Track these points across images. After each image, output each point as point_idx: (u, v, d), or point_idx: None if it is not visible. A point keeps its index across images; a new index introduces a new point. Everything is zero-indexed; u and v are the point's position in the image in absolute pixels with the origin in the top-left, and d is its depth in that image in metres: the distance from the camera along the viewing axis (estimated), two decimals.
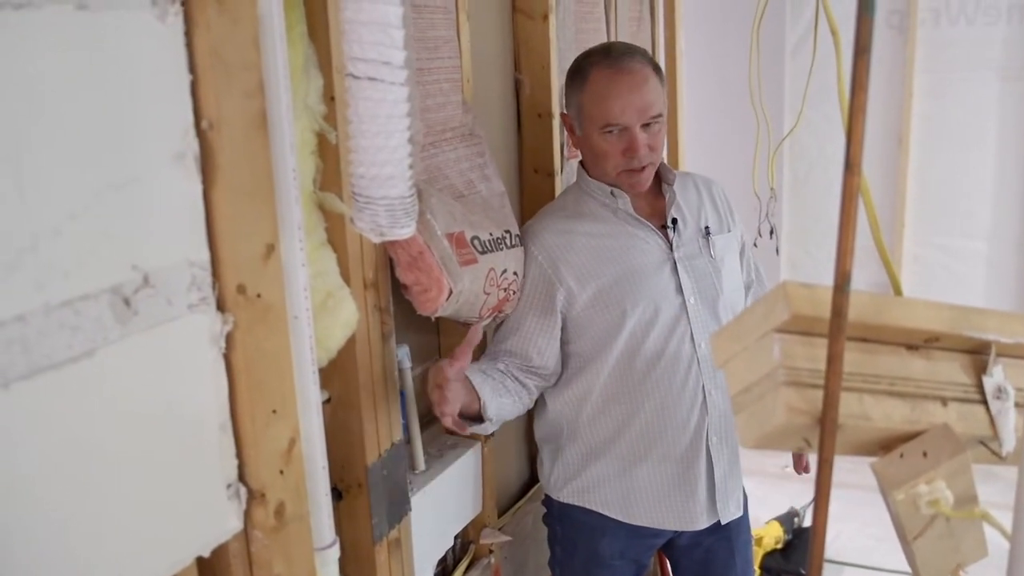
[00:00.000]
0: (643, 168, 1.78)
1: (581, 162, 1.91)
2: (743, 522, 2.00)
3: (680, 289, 1.80)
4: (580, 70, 1.80)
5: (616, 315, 1.78)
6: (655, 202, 1.88)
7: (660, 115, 1.76)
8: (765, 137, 2.75)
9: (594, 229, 1.82)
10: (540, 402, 1.93)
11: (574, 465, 1.91)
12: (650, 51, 3.03)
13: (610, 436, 1.85)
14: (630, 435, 1.83)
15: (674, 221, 1.84)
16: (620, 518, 1.89)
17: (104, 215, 0.94)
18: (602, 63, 1.76)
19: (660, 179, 1.89)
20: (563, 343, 1.85)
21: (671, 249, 1.82)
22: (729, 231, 1.94)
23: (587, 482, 1.90)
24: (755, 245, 2.38)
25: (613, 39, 2.65)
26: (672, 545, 2.00)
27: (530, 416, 2.36)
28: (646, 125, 1.75)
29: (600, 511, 1.90)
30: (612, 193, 1.82)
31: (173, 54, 1.02)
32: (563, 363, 1.87)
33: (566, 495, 1.93)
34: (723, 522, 1.89)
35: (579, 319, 1.80)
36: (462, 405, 1.67)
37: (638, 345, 1.79)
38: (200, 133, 1.06)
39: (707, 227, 1.88)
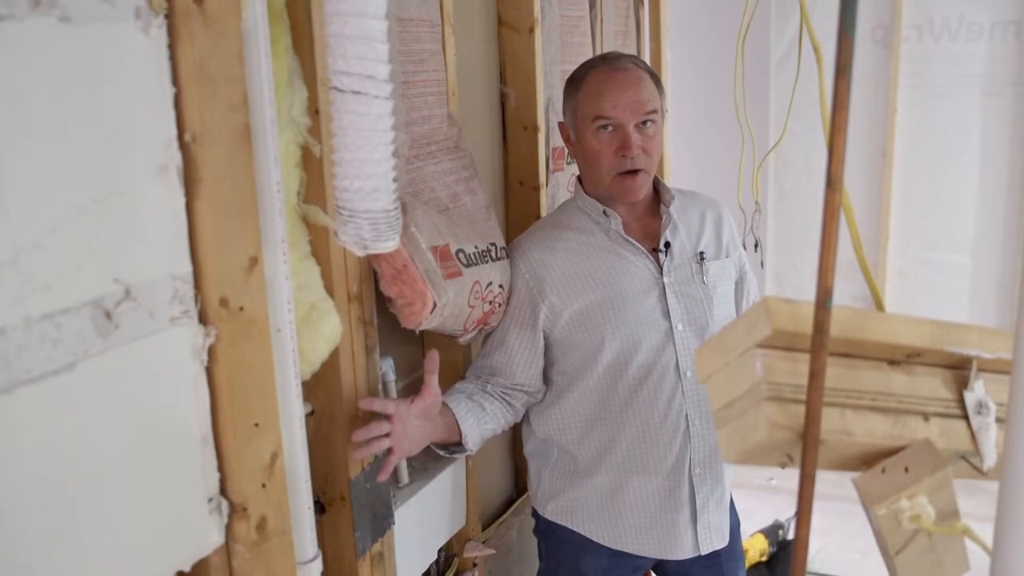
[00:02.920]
0: (637, 172, 1.74)
1: (579, 178, 1.88)
2: (735, 548, 1.97)
3: (667, 315, 1.77)
4: (576, 76, 1.81)
5: (596, 339, 1.75)
6: (650, 223, 1.84)
7: (655, 111, 1.74)
8: (750, 150, 2.77)
9: (583, 247, 1.80)
10: (528, 418, 1.92)
11: (558, 484, 1.90)
12: None
13: (593, 459, 1.83)
14: (612, 460, 1.82)
15: (667, 245, 1.80)
16: (602, 542, 1.88)
17: (86, 228, 0.94)
18: (598, 66, 1.78)
19: (659, 199, 1.86)
20: (548, 363, 1.83)
21: (661, 273, 1.79)
22: (727, 257, 1.88)
23: (571, 503, 1.89)
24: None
25: (599, 52, 2.66)
26: (661, 569, 1.98)
27: (516, 429, 2.37)
28: (641, 125, 1.73)
29: (583, 533, 1.89)
30: (604, 212, 1.80)
31: (157, 67, 1.02)
32: (549, 383, 1.85)
33: (550, 512, 1.92)
34: (703, 553, 1.86)
35: (561, 339, 1.79)
36: (440, 438, 1.67)
37: (621, 370, 1.76)
38: (183, 146, 1.06)
39: (702, 252, 1.83)
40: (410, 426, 1.57)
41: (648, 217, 1.85)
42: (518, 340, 1.80)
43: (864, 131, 4.15)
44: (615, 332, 1.75)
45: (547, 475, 1.91)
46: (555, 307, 1.77)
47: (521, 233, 1.91)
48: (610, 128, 1.73)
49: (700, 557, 1.86)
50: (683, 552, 1.85)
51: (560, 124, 1.87)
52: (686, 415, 1.78)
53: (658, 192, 1.86)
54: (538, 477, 1.94)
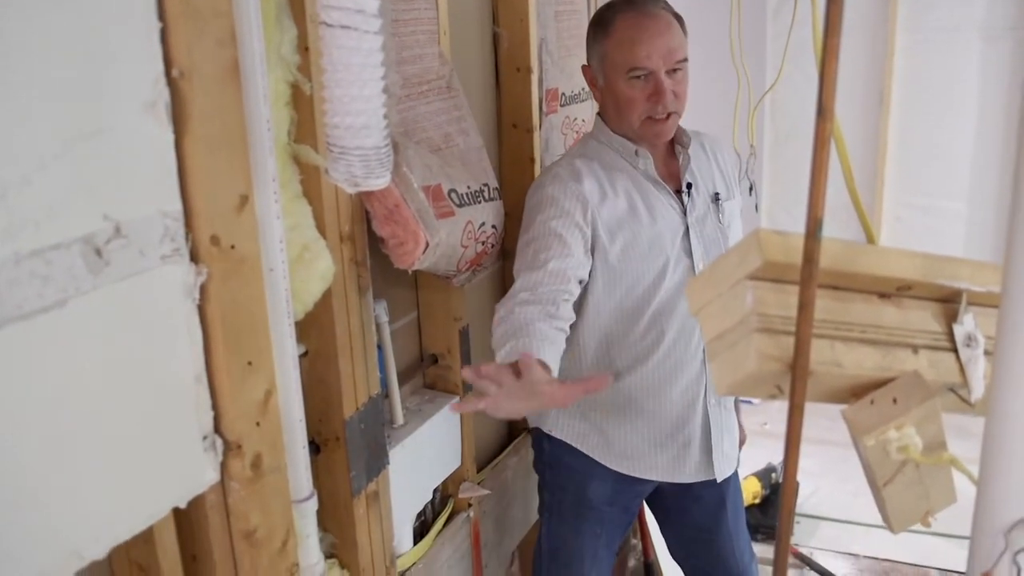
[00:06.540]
0: (667, 117, 1.77)
1: (599, 114, 1.89)
2: (732, 474, 2.02)
3: (689, 252, 1.81)
4: (603, 19, 1.79)
5: (633, 275, 1.77)
6: (669, 164, 1.87)
7: (685, 59, 1.76)
8: (746, 93, 2.75)
9: (617, 183, 1.80)
10: None
11: (570, 409, 1.91)
12: None
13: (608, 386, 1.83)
14: (628, 386, 1.84)
15: (688, 185, 1.84)
16: (611, 466, 1.90)
17: (74, 165, 0.93)
18: (626, 10, 1.75)
19: (675, 140, 1.88)
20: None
21: (685, 213, 1.82)
22: (733, 198, 1.94)
23: (582, 426, 1.91)
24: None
25: None
26: (660, 493, 2.02)
27: None
28: (671, 72, 1.74)
29: (591, 455, 1.91)
30: (636, 152, 1.82)
31: (143, 1, 1.00)
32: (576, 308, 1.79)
33: (559, 432, 1.93)
34: (718, 480, 1.91)
35: (600, 269, 1.77)
36: None
37: (647, 301, 1.79)
38: (171, 82, 1.04)
39: (717, 193, 1.88)
40: (509, 400, 1.37)
41: (667, 158, 1.87)
42: (573, 239, 1.71)
43: (861, 76, 4.12)
44: (651, 268, 1.77)
45: None
46: (603, 242, 1.75)
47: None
48: (643, 76, 1.74)
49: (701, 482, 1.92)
50: (693, 478, 1.90)
51: (584, 68, 1.87)
52: (703, 347, 1.80)
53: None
54: None
